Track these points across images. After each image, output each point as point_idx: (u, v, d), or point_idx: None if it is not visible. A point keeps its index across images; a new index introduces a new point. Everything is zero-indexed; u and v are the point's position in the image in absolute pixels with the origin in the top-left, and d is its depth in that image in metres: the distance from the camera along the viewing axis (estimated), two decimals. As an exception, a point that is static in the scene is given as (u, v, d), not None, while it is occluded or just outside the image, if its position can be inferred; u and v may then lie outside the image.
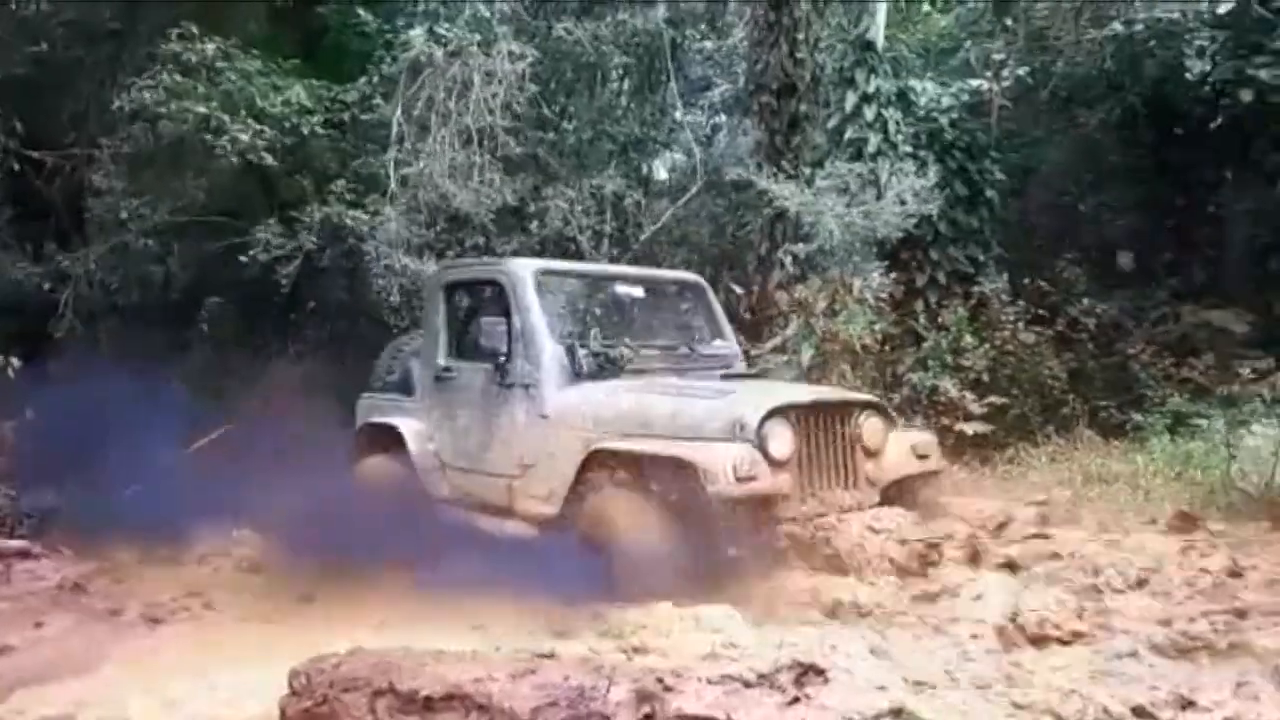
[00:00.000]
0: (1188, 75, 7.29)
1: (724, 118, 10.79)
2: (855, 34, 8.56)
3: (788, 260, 7.55)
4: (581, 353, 4.97)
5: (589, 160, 8.76)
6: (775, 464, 4.21)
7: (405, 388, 5.87)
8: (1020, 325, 7.47)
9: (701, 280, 6.16)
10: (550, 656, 2.71)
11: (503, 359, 5.04)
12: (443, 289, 5.71)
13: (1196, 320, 7.98)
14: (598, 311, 5.49)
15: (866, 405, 4.86)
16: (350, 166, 7.96)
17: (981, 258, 8.55)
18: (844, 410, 4.68)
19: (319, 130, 7.63)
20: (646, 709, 2.30)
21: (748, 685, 2.40)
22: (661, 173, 10.84)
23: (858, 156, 8.06)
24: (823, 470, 4.52)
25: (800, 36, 7.94)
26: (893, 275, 7.45)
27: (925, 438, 5.16)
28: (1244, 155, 7.75)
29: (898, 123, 8.30)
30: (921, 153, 8.32)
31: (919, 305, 7.93)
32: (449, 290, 5.72)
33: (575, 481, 4.53)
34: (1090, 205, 9.47)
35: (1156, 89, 8.02)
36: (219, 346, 9.27)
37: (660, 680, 2.38)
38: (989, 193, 8.61)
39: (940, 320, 7.55)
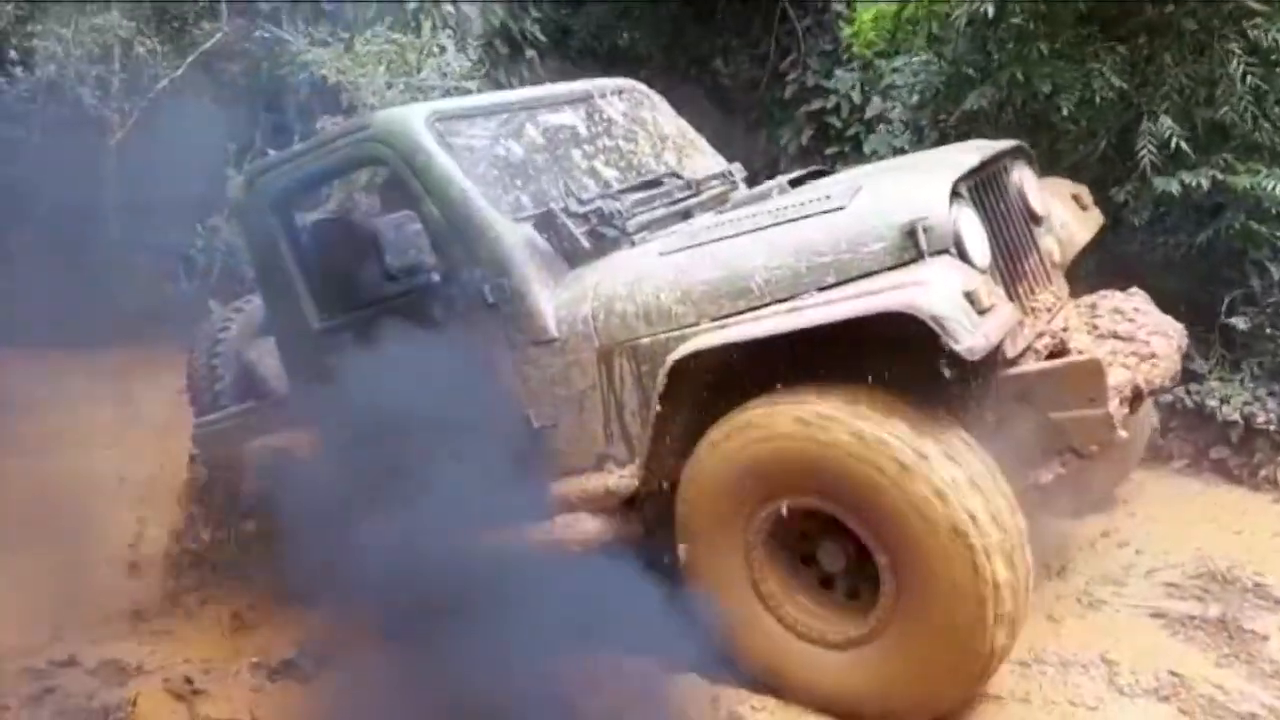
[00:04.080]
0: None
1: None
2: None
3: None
4: (569, 223, 3.15)
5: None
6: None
7: (250, 389, 3.94)
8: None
9: (639, 84, 4.26)
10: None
11: (431, 277, 3.25)
12: (272, 206, 3.62)
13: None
14: (537, 162, 3.48)
15: (1017, 153, 3.35)
16: None
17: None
18: (1001, 167, 3.18)
19: None
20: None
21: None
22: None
23: (404, 24, 7.24)
24: (1014, 264, 3.02)
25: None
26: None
27: (1070, 184, 3.70)
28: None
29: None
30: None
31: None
32: (282, 205, 3.65)
33: (659, 421, 2.87)
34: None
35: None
36: None
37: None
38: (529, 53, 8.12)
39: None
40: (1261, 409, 3.96)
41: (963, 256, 2.68)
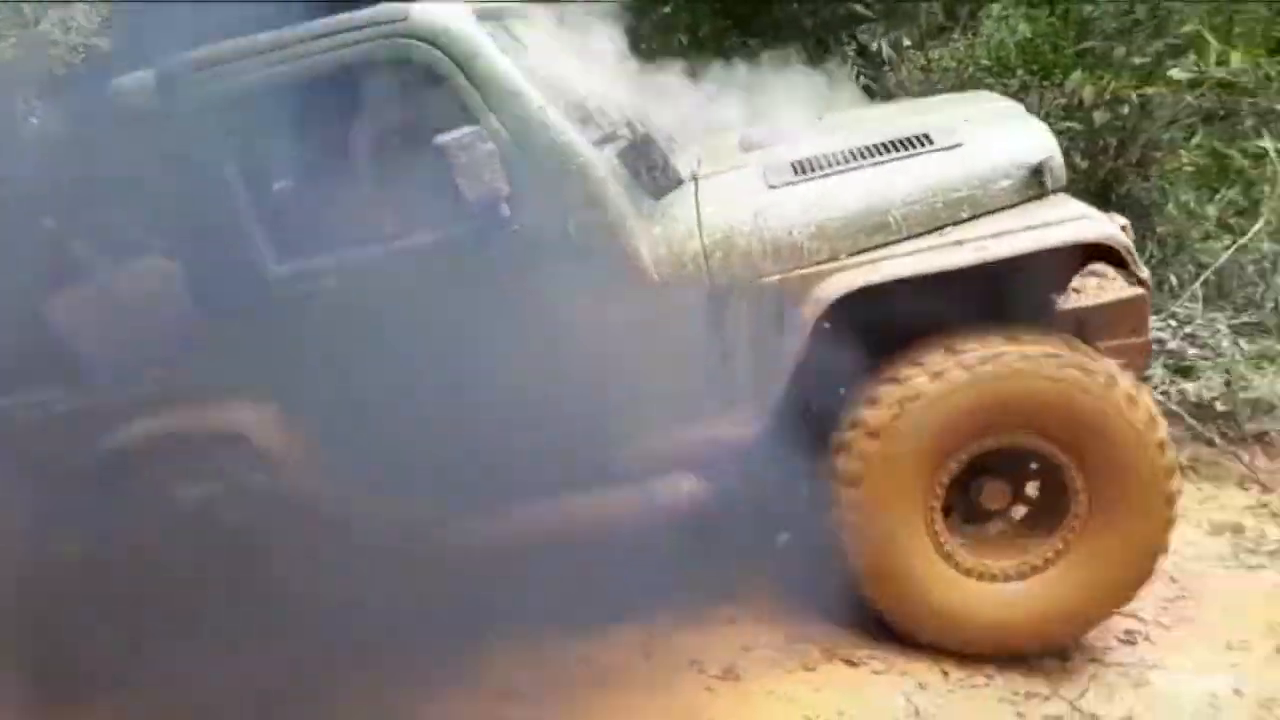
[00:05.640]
0: None
1: None
2: None
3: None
4: (663, 150, 2.82)
5: None
6: None
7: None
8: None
9: None
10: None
11: (495, 211, 2.66)
12: (209, 118, 2.79)
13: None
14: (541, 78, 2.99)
15: None
16: None
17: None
18: None
19: None
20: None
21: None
22: None
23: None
24: None
25: None
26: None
27: None
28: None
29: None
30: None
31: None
32: (227, 118, 2.79)
33: (801, 364, 2.74)
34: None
35: None
36: None
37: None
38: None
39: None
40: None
41: None
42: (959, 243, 2.75)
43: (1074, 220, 2.72)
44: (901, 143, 2.97)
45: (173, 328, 2.90)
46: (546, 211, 2.77)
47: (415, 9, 2.78)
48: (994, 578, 2.90)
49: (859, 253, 2.79)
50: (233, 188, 2.82)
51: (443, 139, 2.59)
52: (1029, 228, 2.72)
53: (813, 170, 2.94)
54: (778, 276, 2.81)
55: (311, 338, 2.83)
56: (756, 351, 2.85)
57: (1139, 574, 2.84)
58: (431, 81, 2.73)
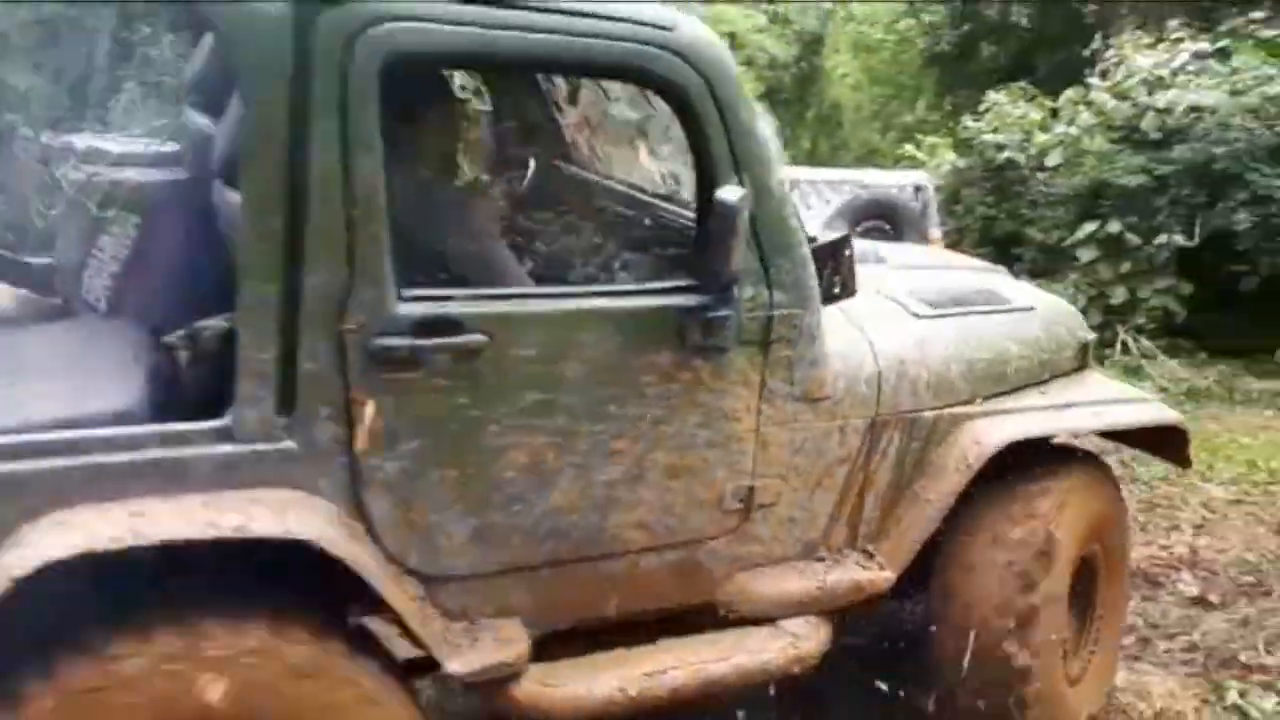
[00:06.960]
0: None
1: None
2: None
3: None
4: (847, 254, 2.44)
5: None
6: None
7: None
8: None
9: None
10: None
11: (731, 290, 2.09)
12: (388, 74, 1.78)
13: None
14: None
15: None
16: None
17: None
18: None
19: None
20: None
21: None
22: None
23: None
24: None
25: None
26: None
27: None
28: None
29: None
30: None
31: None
32: (406, 81, 1.81)
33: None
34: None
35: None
36: None
37: None
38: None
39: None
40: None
41: None
42: (1071, 405, 2.87)
43: (1149, 402, 3.11)
44: (986, 295, 3.02)
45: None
46: (755, 296, 2.28)
47: (685, 20, 2.15)
48: (1078, 679, 2.95)
49: (988, 398, 2.77)
50: (361, 174, 1.84)
51: (733, 195, 2.04)
52: (1122, 401, 3.01)
53: (940, 307, 2.86)
54: (931, 412, 2.67)
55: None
56: (897, 491, 2.65)
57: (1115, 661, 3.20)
58: (676, 109, 2.14)
